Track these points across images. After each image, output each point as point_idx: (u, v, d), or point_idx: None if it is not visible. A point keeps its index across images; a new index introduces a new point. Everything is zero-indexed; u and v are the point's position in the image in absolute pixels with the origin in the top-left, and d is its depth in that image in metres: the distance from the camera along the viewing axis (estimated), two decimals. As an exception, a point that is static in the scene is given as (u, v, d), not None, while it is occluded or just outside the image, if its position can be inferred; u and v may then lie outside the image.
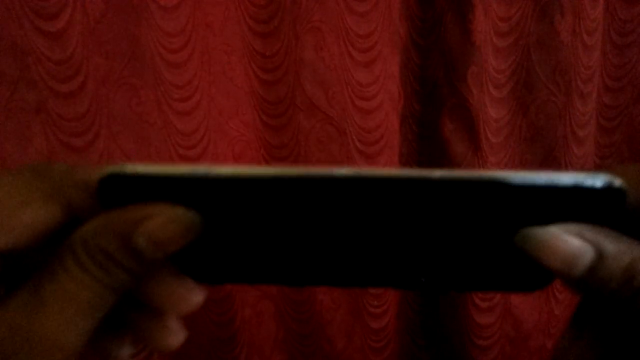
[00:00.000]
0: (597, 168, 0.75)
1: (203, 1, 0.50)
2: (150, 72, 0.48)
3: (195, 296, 0.20)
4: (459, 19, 0.61)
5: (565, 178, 0.18)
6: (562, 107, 0.68)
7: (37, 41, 0.44)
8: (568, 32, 0.66)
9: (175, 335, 0.20)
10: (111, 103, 0.48)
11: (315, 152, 0.57)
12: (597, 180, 0.18)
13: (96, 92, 0.47)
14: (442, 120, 0.65)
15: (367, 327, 0.64)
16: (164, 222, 0.18)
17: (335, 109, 0.56)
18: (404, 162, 0.66)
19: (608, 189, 0.18)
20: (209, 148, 0.52)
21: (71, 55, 0.45)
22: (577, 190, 0.18)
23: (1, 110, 0.46)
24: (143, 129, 0.49)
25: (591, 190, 0.18)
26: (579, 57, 0.67)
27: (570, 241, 0.18)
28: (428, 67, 0.64)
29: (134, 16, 0.47)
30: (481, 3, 0.61)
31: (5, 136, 0.47)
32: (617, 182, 0.18)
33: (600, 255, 0.18)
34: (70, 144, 0.47)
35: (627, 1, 0.71)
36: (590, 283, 0.18)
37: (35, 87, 0.45)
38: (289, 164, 0.58)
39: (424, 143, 0.67)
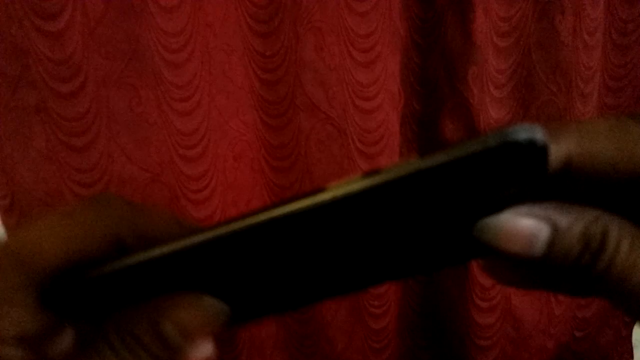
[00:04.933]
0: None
1: (203, 1, 0.50)
2: (150, 72, 0.48)
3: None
4: (460, 19, 0.61)
5: (482, 141, 0.17)
6: (563, 107, 0.68)
7: (37, 41, 0.44)
8: (569, 32, 0.66)
9: None
10: (111, 103, 0.48)
11: (316, 152, 0.57)
12: (516, 134, 0.17)
13: (96, 92, 0.47)
14: (443, 121, 0.65)
15: (367, 328, 0.64)
16: (192, 310, 0.19)
17: (336, 109, 0.56)
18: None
19: (531, 142, 0.17)
20: (209, 148, 0.52)
21: (71, 55, 0.45)
22: (502, 151, 0.17)
23: (1, 110, 0.46)
24: (143, 129, 0.49)
25: (515, 146, 0.17)
26: (580, 57, 0.67)
27: (523, 223, 0.18)
28: (428, 67, 0.64)
29: (134, 16, 0.47)
30: (482, 3, 0.61)
31: (5, 136, 0.47)
32: (537, 132, 0.17)
33: (555, 229, 0.17)
34: (70, 144, 0.47)
35: (628, 1, 0.71)
36: (552, 259, 0.18)
37: (35, 87, 0.45)
38: (290, 163, 0.57)
39: (425, 143, 0.67)
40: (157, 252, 0.19)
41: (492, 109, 0.66)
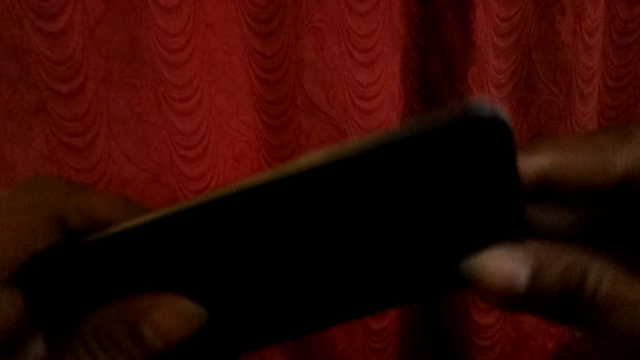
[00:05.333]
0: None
1: (203, 1, 0.50)
2: (150, 72, 0.48)
3: None
4: (460, 19, 0.61)
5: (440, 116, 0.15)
6: (563, 108, 0.68)
7: (37, 41, 0.44)
8: (569, 32, 0.66)
9: None
10: (111, 103, 0.48)
11: (316, 153, 0.57)
12: (475, 110, 0.15)
13: (96, 92, 0.47)
14: (443, 121, 0.65)
15: (368, 328, 0.64)
16: (170, 313, 0.19)
17: (336, 109, 0.56)
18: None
19: (494, 118, 0.15)
20: (209, 148, 0.52)
21: (71, 55, 0.45)
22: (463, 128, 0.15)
23: (1, 110, 0.46)
24: (143, 129, 0.49)
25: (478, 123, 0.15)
26: (580, 57, 0.67)
27: (501, 267, 0.17)
28: (428, 67, 0.64)
29: (134, 16, 0.47)
30: (482, 3, 0.61)
31: (5, 136, 0.47)
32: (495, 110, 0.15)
33: (534, 271, 0.17)
34: (70, 144, 0.47)
35: (628, 1, 0.71)
36: (532, 300, 0.17)
37: (35, 87, 0.45)
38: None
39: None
40: (117, 231, 0.18)
41: (492, 109, 0.66)
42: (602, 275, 0.17)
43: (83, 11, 0.45)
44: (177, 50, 0.49)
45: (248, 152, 0.56)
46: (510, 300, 0.18)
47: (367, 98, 0.57)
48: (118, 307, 0.19)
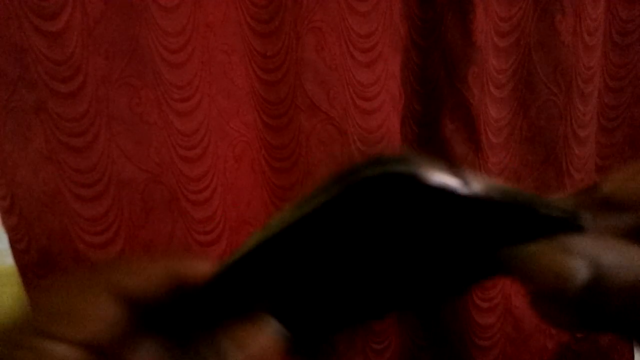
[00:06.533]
0: (599, 170, 0.75)
1: (203, 1, 0.50)
2: (150, 72, 0.48)
3: None
4: (460, 19, 0.61)
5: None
6: (563, 107, 0.68)
7: (37, 41, 0.44)
8: (569, 32, 0.66)
9: None
10: (111, 103, 0.48)
11: (316, 153, 0.57)
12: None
13: (96, 92, 0.47)
14: (443, 121, 0.65)
15: (368, 329, 0.64)
16: (261, 338, 0.21)
17: (336, 109, 0.56)
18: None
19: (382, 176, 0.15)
20: (210, 148, 0.52)
21: (71, 55, 0.45)
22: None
23: (1, 110, 0.46)
24: (143, 129, 0.49)
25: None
26: (580, 57, 0.67)
27: (561, 260, 0.16)
28: (429, 67, 0.64)
29: (134, 16, 0.47)
30: (482, 3, 0.61)
31: (5, 136, 0.47)
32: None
33: (597, 272, 0.16)
34: (70, 144, 0.46)
35: (628, 1, 0.71)
36: (590, 303, 0.16)
37: (35, 87, 0.45)
38: (291, 164, 0.57)
39: (425, 143, 0.66)
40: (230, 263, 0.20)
41: (492, 109, 0.66)
42: None
43: (83, 11, 0.45)
44: (177, 50, 0.49)
45: (248, 152, 0.56)
46: (557, 294, 0.17)
47: (368, 98, 0.57)
48: (222, 334, 0.21)
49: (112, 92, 0.47)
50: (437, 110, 0.65)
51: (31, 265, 0.50)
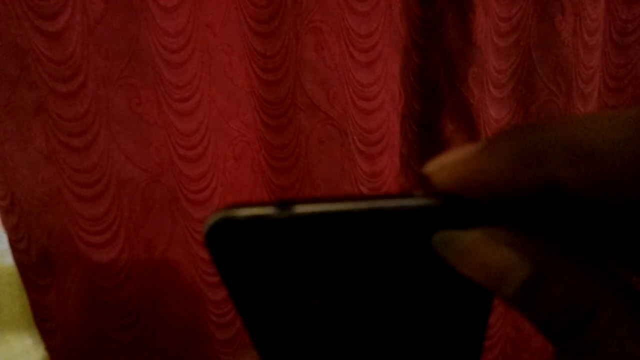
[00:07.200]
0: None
1: (203, 1, 0.50)
2: (150, 72, 0.48)
3: None
4: (460, 19, 0.61)
5: None
6: (563, 107, 0.68)
7: (37, 41, 0.44)
8: (569, 32, 0.66)
9: None
10: (111, 103, 0.48)
11: (316, 153, 0.57)
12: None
13: (96, 92, 0.47)
14: (443, 121, 0.65)
15: None
16: None
17: (336, 109, 0.56)
18: (405, 163, 0.66)
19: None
20: (209, 148, 0.52)
21: (71, 55, 0.45)
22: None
23: (1, 110, 0.46)
24: (143, 129, 0.49)
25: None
26: (580, 57, 0.67)
27: (498, 252, 0.14)
28: (428, 67, 0.64)
29: (134, 16, 0.47)
30: (482, 3, 0.61)
31: (5, 136, 0.47)
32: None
33: (537, 273, 0.14)
34: (70, 144, 0.46)
35: (628, 1, 0.71)
36: (523, 305, 0.14)
37: (35, 87, 0.45)
38: (290, 164, 0.57)
39: (425, 143, 0.67)
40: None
41: (492, 109, 0.66)
42: (619, 314, 0.13)
43: (83, 11, 0.45)
44: (177, 50, 0.49)
45: (248, 152, 0.56)
46: (492, 291, 0.15)
47: (368, 98, 0.57)
48: None
49: (112, 92, 0.48)
50: (437, 110, 0.65)
51: (31, 265, 0.50)
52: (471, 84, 0.62)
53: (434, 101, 0.65)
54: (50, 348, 0.53)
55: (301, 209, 0.16)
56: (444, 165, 0.16)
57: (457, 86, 0.63)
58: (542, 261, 0.14)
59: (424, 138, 0.67)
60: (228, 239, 0.16)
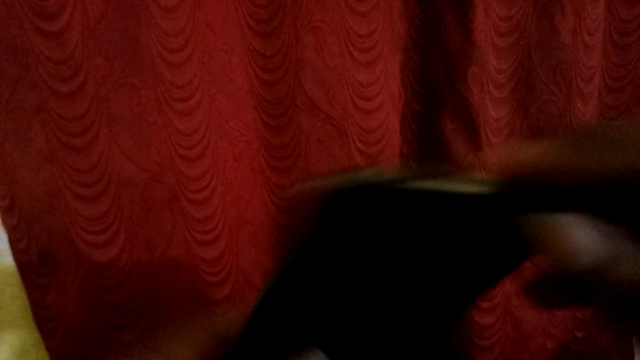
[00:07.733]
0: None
1: (203, 1, 0.50)
2: (150, 72, 0.48)
3: None
4: (460, 19, 0.61)
5: None
6: (563, 107, 0.68)
7: (37, 41, 0.44)
8: (569, 32, 0.66)
9: None
10: (111, 103, 0.48)
11: (316, 152, 0.57)
12: None
13: (96, 92, 0.47)
14: (443, 121, 0.65)
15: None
16: None
17: (336, 109, 0.56)
18: (405, 163, 0.66)
19: None
20: (209, 148, 0.52)
21: (71, 55, 0.45)
22: None
23: (1, 110, 0.46)
24: (143, 129, 0.49)
25: None
26: (580, 57, 0.67)
27: (584, 237, 0.17)
28: (428, 67, 0.64)
29: (134, 16, 0.47)
30: (482, 3, 0.61)
31: (5, 136, 0.47)
32: None
33: (611, 259, 0.16)
34: (70, 144, 0.46)
35: (628, 1, 0.71)
36: (590, 280, 0.17)
37: (35, 87, 0.45)
38: (290, 164, 0.57)
39: (425, 143, 0.67)
40: None
41: (492, 109, 0.66)
42: None
43: (83, 11, 0.45)
44: (177, 50, 0.49)
45: (248, 152, 0.56)
46: (562, 268, 0.17)
47: (367, 98, 0.57)
48: None
49: (112, 92, 0.48)
50: (437, 110, 0.65)
51: (31, 265, 0.50)
52: (471, 83, 0.62)
53: (434, 101, 0.65)
54: (50, 348, 0.53)
55: (419, 184, 0.17)
56: (523, 158, 0.18)
57: (457, 86, 0.63)
58: (617, 246, 0.16)
59: (424, 138, 0.67)
60: (345, 203, 0.17)
